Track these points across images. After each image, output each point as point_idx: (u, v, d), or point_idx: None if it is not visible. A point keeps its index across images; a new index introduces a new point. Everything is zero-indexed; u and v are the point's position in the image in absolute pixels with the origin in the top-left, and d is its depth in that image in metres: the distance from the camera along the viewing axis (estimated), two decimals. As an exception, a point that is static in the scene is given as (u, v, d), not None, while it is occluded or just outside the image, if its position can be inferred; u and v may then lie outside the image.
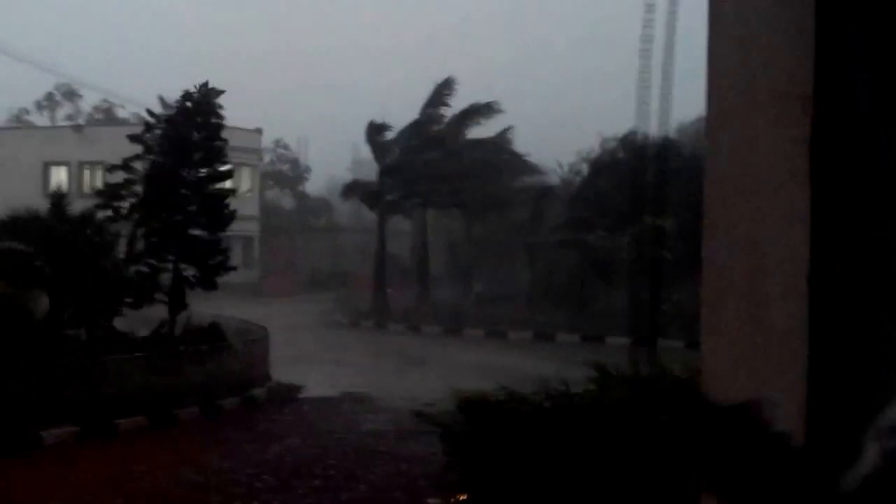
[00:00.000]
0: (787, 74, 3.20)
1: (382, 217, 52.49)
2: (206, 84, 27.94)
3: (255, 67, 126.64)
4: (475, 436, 11.61)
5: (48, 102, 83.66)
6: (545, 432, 10.70)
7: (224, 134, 28.70)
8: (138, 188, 27.41)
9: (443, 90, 51.93)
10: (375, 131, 52.56)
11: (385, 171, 52.02)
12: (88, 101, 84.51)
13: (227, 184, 29.35)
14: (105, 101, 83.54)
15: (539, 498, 10.34)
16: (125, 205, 27.20)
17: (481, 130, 52.78)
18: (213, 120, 28.00)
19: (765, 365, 3.26)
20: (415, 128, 52.21)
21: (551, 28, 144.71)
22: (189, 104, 27.77)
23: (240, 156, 61.59)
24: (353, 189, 55.12)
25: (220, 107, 28.17)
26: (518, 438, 10.89)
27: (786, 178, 3.19)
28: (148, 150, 27.74)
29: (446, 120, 52.49)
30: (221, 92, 28.03)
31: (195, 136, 27.77)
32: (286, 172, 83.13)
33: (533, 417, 11.13)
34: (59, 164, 66.26)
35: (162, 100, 28.43)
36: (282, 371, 27.57)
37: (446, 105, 52.01)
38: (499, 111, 51.86)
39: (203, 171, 27.93)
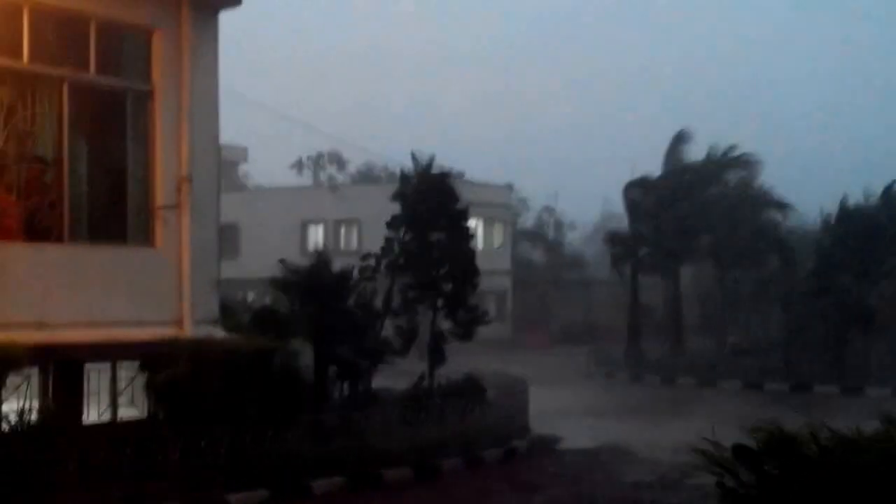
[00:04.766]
0: None
1: (635, 270, 52.13)
2: (442, 171, 28.61)
3: (501, 125, 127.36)
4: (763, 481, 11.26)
5: (313, 163, 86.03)
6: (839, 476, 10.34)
7: (473, 191, 29.16)
8: (395, 246, 28.02)
9: (680, 142, 52.00)
10: (632, 188, 52.39)
11: (637, 226, 51.79)
12: (353, 164, 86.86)
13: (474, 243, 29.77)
14: (366, 163, 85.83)
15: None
16: (383, 262, 27.81)
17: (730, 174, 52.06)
18: (451, 203, 28.44)
19: None
20: (664, 180, 51.89)
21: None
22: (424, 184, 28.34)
23: (490, 212, 62.20)
24: (612, 240, 54.81)
25: (447, 182, 28.71)
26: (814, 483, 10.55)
27: None
28: (406, 207, 28.32)
29: (695, 167, 52.00)
30: (452, 175, 28.60)
31: (434, 203, 28.25)
32: (544, 228, 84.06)
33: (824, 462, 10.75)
34: (316, 222, 67.92)
35: (414, 157, 28.85)
36: (540, 423, 27.52)
37: (685, 155, 51.93)
38: (752, 162, 51.17)
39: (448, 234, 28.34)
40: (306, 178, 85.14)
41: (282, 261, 25.47)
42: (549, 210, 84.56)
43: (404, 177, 29.15)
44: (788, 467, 11.08)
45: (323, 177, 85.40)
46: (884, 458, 10.31)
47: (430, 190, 28.26)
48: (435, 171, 28.76)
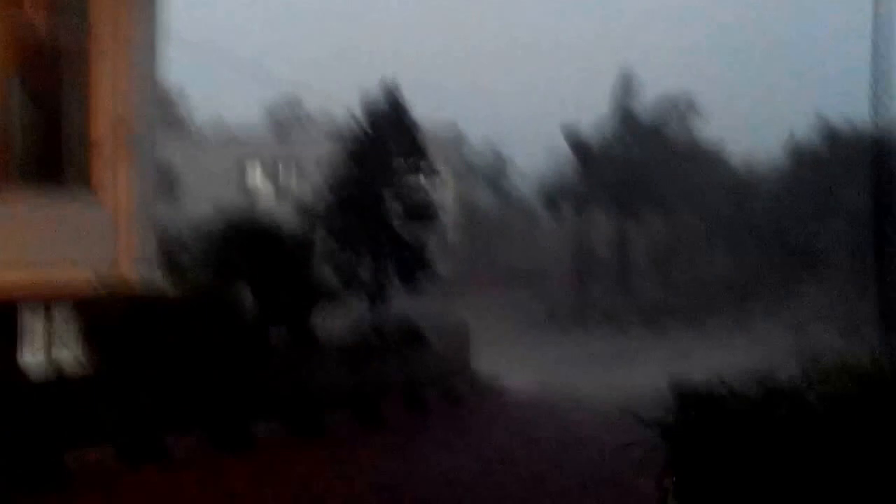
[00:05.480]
0: None
1: (581, 213, 52.16)
2: (387, 83, 28.29)
3: (450, 65, 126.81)
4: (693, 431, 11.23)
5: (263, 105, 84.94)
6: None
7: (419, 131, 28.97)
8: (339, 187, 27.80)
9: (629, 83, 51.67)
10: (573, 132, 52.22)
11: (582, 170, 51.77)
12: (304, 105, 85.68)
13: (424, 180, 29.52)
14: (310, 105, 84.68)
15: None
16: (325, 203, 27.63)
17: (675, 119, 51.91)
18: (405, 119, 28.28)
19: None
20: (607, 124, 51.86)
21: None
22: (377, 106, 28.12)
23: (437, 151, 61.85)
24: (553, 188, 54.80)
25: (405, 107, 28.50)
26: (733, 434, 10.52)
27: None
28: (349, 148, 28.14)
29: (640, 112, 51.92)
30: (400, 98, 28.37)
31: (391, 136, 28.07)
32: (485, 167, 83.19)
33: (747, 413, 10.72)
34: (258, 164, 67.22)
35: (360, 101, 28.65)
36: (483, 365, 27.48)
37: (633, 100, 51.73)
38: (693, 102, 51.02)
39: (400, 168, 28.20)
40: (249, 119, 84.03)
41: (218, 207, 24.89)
42: (489, 146, 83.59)
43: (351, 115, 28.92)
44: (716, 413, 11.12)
45: (270, 119, 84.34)
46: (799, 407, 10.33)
47: (378, 125, 28.07)
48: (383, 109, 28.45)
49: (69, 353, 19.05)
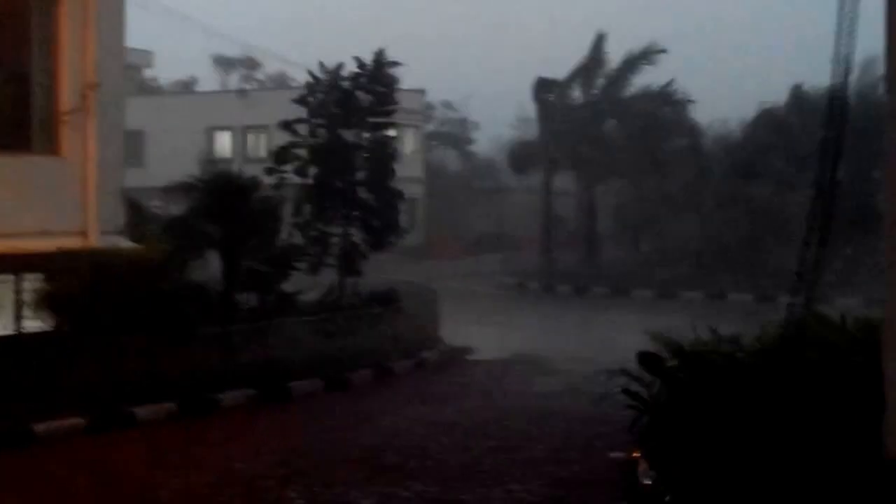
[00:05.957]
0: None
1: (548, 178, 51.89)
2: (381, 52, 28.15)
3: (416, 25, 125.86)
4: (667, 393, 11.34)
5: (224, 68, 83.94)
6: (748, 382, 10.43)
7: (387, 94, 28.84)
8: (303, 152, 27.69)
9: (601, 41, 51.04)
10: (542, 88, 51.55)
11: (549, 131, 51.29)
12: (266, 71, 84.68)
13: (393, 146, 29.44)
14: (276, 68, 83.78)
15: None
16: (290, 168, 27.53)
17: (647, 78, 51.13)
18: (382, 88, 28.18)
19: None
20: (576, 81, 51.33)
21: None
22: (361, 70, 27.99)
23: (403, 117, 61.57)
24: (518, 150, 54.48)
25: (395, 78, 28.40)
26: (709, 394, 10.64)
27: None
28: (312, 113, 28.01)
29: (610, 70, 51.24)
30: (396, 63, 28.23)
31: (364, 101, 27.97)
32: (452, 133, 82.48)
33: (729, 368, 10.84)
34: (223, 129, 66.80)
35: (322, 65, 28.43)
36: (452, 334, 27.52)
37: (605, 57, 51.09)
38: (660, 51, 49.81)
39: (367, 135, 28.13)
40: (216, 84, 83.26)
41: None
42: (447, 106, 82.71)
43: (313, 78, 28.75)
44: (695, 374, 11.21)
45: (233, 83, 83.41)
46: (781, 365, 10.45)
47: (357, 78, 28.05)
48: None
49: (39, 325, 19.01)
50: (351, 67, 28.15)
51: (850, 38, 8.81)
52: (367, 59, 28.06)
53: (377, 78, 28.12)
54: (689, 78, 53.44)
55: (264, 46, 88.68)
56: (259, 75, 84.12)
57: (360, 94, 27.94)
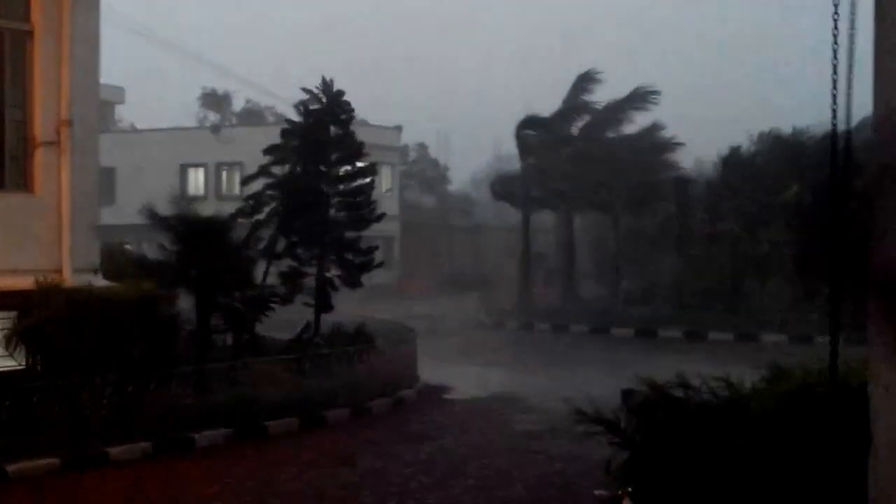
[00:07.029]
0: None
1: (526, 215, 51.75)
2: (326, 82, 28.05)
3: (397, 67, 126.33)
4: (649, 432, 11.18)
5: (204, 102, 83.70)
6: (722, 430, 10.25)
7: (363, 132, 28.75)
8: (276, 192, 27.58)
9: (584, 82, 50.84)
10: (526, 125, 51.36)
11: (528, 168, 51.18)
12: (237, 102, 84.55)
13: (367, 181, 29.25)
14: (250, 101, 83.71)
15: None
16: (266, 209, 27.45)
17: (631, 125, 51.01)
18: (343, 116, 28.13)
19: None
20: (558, 122, 51.13)
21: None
22: (317, 105, 27.94)
23: (379, 154, 61.55)
24: (498, 186, 54.35)
25: (348, 104, 28.28)
26: (693, 436, 10.47)
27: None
28: (284, 158, 27.94)
29: (593, 110, 51.08)
30: (341, 92, 28.12)
31: (330, 134, 27.92)
32: (427, 173, 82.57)
33: (704, 415, 10.68)
34: (196, 166, 66.66)
35: (298, 109, 28.43)
36: (429, 372, 27.36)
37: (589, 97, 50.89)
38: (653, 93, 49.69)
39: (341, 169, 28.04)
40: (188, 119, 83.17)
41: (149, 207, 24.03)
42: (422, 146, 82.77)
43: (287, 122, 28.70)
44: (671, 416, 11.07)
45: (204, 119, 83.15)
46: (762, 411, 10.31)
47: (319, 112, 27.93)
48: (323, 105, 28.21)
49: (13, 363, 18.81)
50: (303, 97, 28.19)
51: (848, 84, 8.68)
52: (318, 88, 28.03)
53: (334, 109, 28.07)
54: (678, 122, 53.49)
55: (242, 76, 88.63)
56: (233, 106, 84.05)
57: (326, 129, 27.91)
